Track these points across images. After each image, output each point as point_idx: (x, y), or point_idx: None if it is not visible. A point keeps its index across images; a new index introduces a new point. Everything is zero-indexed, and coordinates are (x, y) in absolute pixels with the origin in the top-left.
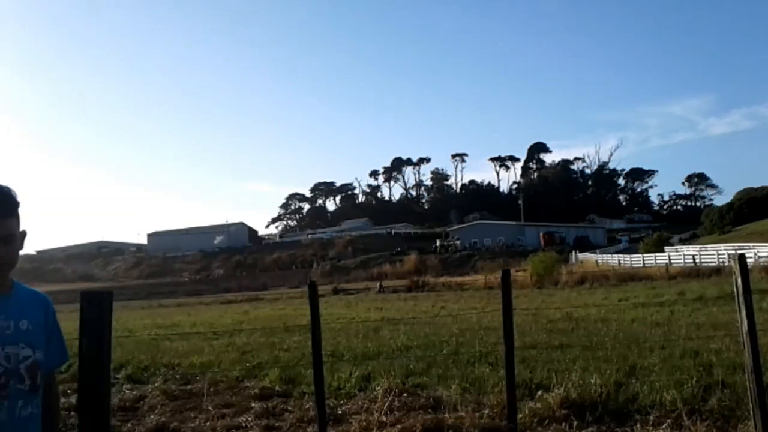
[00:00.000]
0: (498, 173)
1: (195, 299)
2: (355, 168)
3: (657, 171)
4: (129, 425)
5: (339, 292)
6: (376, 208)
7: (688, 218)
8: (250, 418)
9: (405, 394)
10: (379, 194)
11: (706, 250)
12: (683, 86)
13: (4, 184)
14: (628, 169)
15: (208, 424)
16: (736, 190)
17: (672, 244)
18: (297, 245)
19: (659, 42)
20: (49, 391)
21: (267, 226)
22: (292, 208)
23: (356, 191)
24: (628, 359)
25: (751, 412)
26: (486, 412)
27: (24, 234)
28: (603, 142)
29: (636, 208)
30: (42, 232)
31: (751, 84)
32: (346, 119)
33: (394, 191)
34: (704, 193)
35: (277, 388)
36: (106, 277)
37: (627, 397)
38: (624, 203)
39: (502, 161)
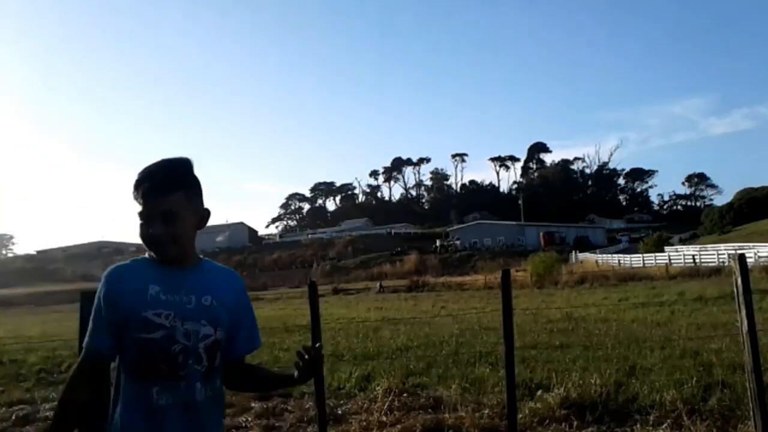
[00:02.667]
0: (498, 173)
1: None
2: (355, 168)
3: (657, 171)
4: None
5: (339, 292)
6: (376, 208)
7: (688, 218)
8: (250, 418)
9: (405, 394)
10: (379, 194)
11: (706, 250)
12: (684, 86)
13: (182, 156)
14: (628, 169)
15: None
16: (736, 190)
17: (672, 244)
18: (297, 245)
19: (659, 42)
20: (242, 374)
21: (267, 226)
22: (292, 208)
23: (356, 191)
24: (628, 359)
25: (751, 412)
26: (486, 412)
27: (202, 212)
28: (603, 142)
29: (636, 208)
30: (42, 231)
31: (751, 84)
32: (346, 119)
33: (394, 191)
34: (704, 193)
35: None
36: None
37: (627, 397)
38: (624, 203)
39: (502, 161)
